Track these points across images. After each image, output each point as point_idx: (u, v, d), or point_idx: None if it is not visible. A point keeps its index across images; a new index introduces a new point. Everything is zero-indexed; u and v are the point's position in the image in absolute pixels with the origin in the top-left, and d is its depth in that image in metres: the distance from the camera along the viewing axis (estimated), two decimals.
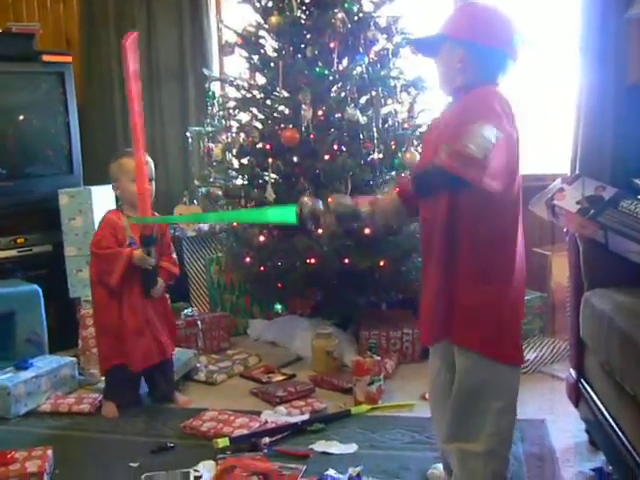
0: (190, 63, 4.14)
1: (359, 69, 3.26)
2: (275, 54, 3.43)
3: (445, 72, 1.83)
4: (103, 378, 2.95)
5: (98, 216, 3.44)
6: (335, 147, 3.22)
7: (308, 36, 3.37)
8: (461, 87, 1.80)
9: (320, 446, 2.43)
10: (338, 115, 3.28)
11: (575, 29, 2.65)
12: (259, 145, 3.39)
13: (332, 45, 3.24)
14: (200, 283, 4.05)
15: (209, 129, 3.59)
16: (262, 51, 3.45)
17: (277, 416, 2.70)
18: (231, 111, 3.54)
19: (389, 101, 3.37)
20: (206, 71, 3.72)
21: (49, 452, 2.35)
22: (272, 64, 3.36)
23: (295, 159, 3.29)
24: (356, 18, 3.32)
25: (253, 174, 3.44)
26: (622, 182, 2.37)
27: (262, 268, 3.36)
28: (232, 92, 3.70)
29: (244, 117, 3.54)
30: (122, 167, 2.82)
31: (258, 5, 3.42)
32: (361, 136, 3.22)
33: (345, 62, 3.35)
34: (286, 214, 1.75)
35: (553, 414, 2.62)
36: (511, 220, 1.78)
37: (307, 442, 2.47)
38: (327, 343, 3.23)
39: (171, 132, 4.20)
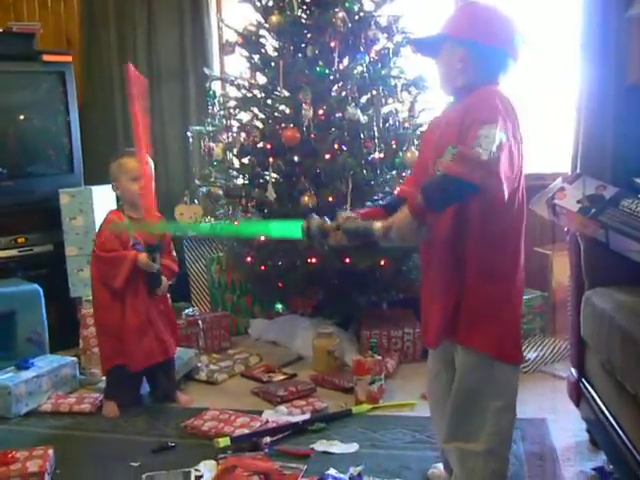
0: (191, 62, 4.15)
1: (360, 68, 3.26)
2: (276, 53, 3.43)
3: (446, 72, 1.82)
4: (104, 378, 2.96)
5: (99, 215, 3.45)
6: (336, 146, 3.21)
7: (309, 35, 3.37)
8: (462, 87, 1.79)
9: (321, 445, 2.43)
10: (339, 114, 3.27)
11: (575, 29, 2.65)
12: (260, 144, 3.38)
13: (333, 44, 3.23)
14: (201, 283, 4.05)
15: (210, 128, 3.58)
16: (263, 50, 3.45)
17: (278, 416, 2.70)
18: (232, 110, 3.53)
19: (390, 100, 3.37)
20: (207, 70, 3.72)
21: (50, 452, 2.35)
22: (273, 63, 3.36)
23: (296, 158, 3.29)
24: (357, 17, 3.32)
25: (254, 174, 3.44)
26: (623, 181, 2.36)
27: (263, 267, 3.36)
28: (233, 91, 3.70)
29: (245, 116, 3.54)
30: (122, 167, 2.81)
31: (259, 4, 3.42)
32: (362, 135, 3.22)
33: (346, 61, 3.35)
34: (292, 229, 1.77)
35: (554, 413, 2.62)
36: (516, 220, 1.78)
37: (308, 442, 2.47)
38: (328, 342, 3.23)
39: (172, 131, 4.20)
